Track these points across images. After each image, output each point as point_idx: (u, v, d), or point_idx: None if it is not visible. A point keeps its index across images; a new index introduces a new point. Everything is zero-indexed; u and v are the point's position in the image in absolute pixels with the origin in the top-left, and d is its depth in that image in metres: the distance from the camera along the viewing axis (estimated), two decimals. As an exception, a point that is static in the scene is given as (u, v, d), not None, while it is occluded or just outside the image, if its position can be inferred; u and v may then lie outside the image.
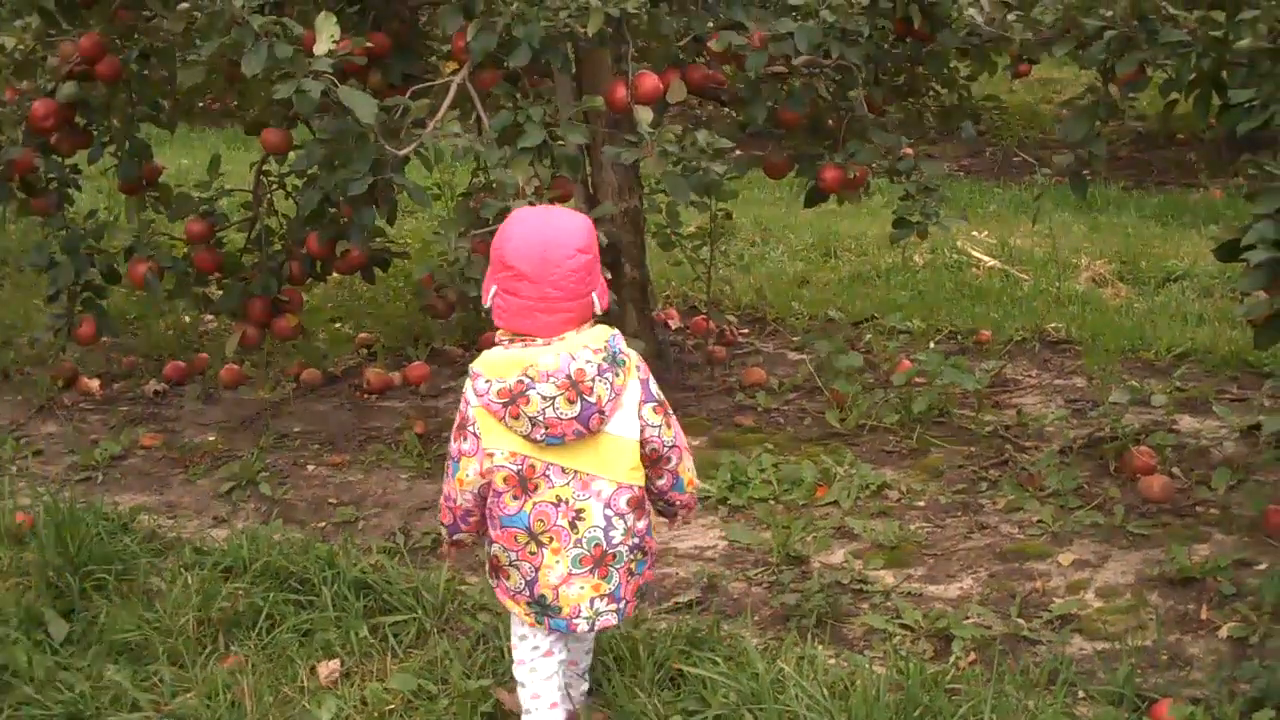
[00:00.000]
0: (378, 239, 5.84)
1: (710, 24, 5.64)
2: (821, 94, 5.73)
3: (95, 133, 6.07)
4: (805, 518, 4.91)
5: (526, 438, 3.23)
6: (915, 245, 7.57)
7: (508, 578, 3.37)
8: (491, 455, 3.26)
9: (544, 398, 3.19)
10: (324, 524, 5.06)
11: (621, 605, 3.40)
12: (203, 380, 6.57)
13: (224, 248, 6.11)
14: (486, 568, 3.45)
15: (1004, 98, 7.12)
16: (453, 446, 3.32)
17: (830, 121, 5.77)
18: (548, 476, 3.28)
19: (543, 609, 3.35)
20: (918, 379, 5.84)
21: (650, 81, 5.07)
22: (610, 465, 3.31)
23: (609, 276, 4.76)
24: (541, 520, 3.29)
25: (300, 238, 5.65)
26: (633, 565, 3.40)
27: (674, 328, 6.93)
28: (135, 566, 4.57)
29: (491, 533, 3.36)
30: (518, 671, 3.53)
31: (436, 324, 6.78)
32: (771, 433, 5.70)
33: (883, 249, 8.34)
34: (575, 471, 3.28)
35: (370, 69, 5.24)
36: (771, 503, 5.07)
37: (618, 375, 3.28)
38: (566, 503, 3.29)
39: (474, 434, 3.28)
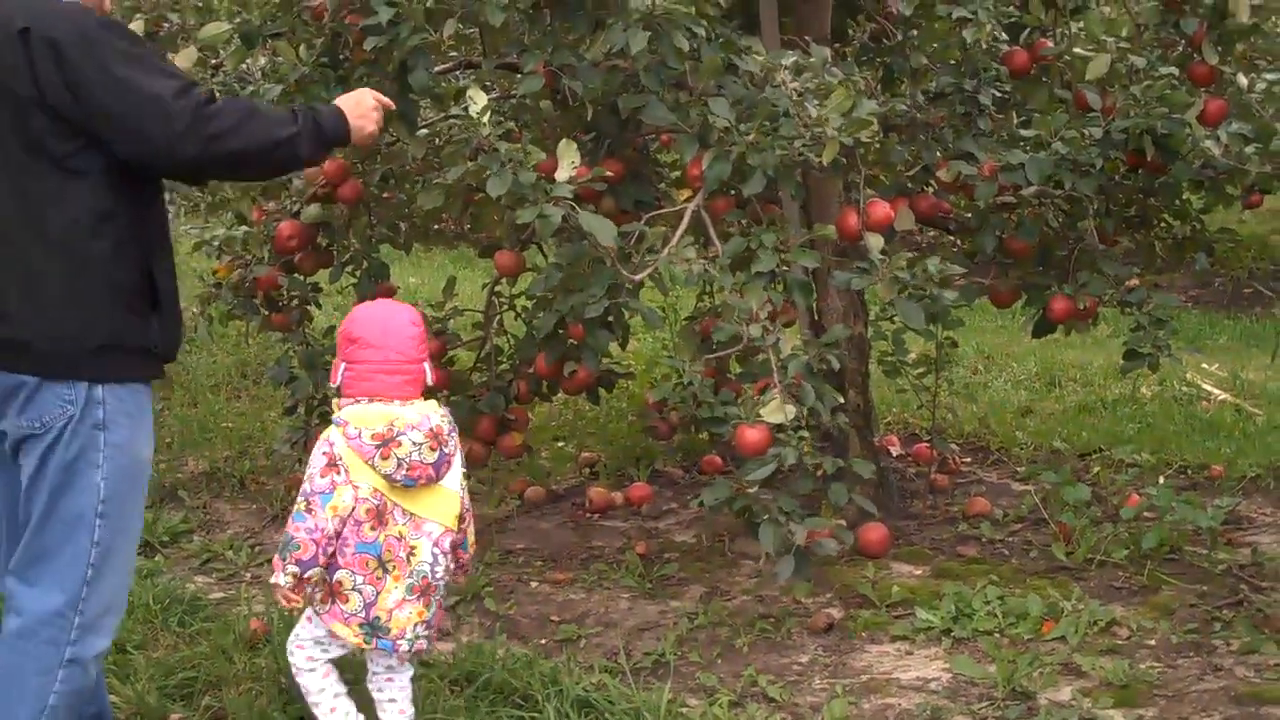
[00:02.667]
0: (604, 359, 5.92)
1: (939, 153, 5.67)
2: (1050, 224, 5.71)
3: (336, 252, 6.29)
4: (1031, 653, 4.81)
5: (388, 478, 3.79)
6: (1144, 377, 7.44)
7: (346, 602, 3.84)
8: (358, 488, 3.79)
9: (414, 443, 3.78)
10: (546, 641, 5.11)
11: (432, 632, 3.97)
12: (430, 495, 6.67)
13: (453, 366, 6.26)
14: (316, 597, 3.88)
15: (1234, 227, 6.99)
16: (320, 482, 3.80)
17: (1059, 251, 5.75)
18: (393, 515, 3.84)
19: (373, 630, 3.84)
20: (1147, 514, 5.71)
21: (881, 210, 5.09)
22: (440, 511, 3.90)
23: (840, 400, 4.83)
24: (389, 550, 3.83)
25: (528, 357, 5.76)
26: (443, 599, 3.99)
27: (895, 454, 6.89)
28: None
29: (340, 561, 3.83)
30: (308, 680, 4.01)
31: (658, 445, 6.84)
32: (996, 564, 5.61)
33: (1109, 379, 8.21)
34: (412, 514, 3.86)
35: (603, 194, 5.35)
36: (997, 636, 4.98)
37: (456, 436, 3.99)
38: (404, 539, 3.85)
39: (344, 468, 3.79)
